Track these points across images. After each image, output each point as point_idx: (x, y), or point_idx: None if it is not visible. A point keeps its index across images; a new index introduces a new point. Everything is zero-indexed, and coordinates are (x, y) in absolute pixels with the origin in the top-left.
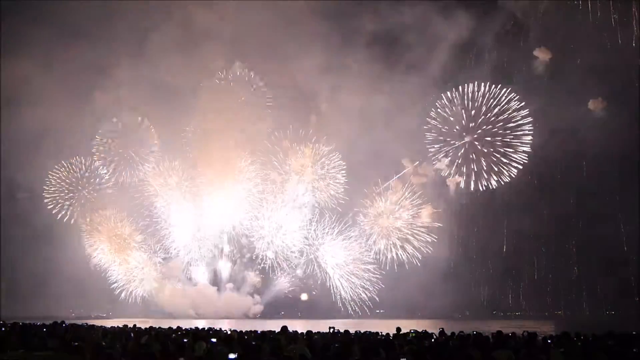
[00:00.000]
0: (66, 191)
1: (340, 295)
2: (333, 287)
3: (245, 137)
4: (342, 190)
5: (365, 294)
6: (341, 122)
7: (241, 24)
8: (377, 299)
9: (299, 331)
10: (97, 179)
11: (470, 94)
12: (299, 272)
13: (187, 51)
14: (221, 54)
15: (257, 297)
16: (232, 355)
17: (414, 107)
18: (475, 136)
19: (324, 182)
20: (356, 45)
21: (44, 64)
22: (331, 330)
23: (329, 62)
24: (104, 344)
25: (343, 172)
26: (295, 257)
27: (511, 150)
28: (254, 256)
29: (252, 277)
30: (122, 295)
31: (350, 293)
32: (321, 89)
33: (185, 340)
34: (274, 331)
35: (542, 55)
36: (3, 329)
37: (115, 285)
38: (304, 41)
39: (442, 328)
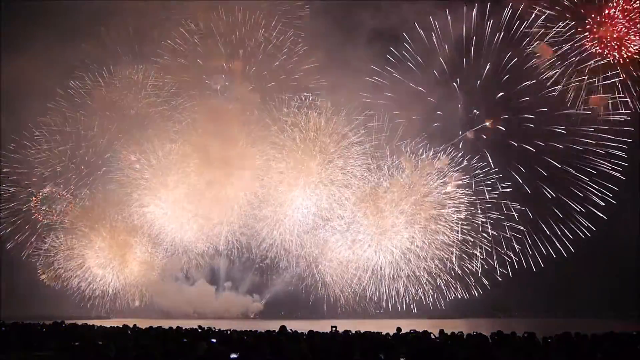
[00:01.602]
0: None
1: (340, 304)
2: (332, 295)
3: (245, 135)
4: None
5: (367, 303)
6: (342, 120)
7: (240, 21)
8: (383, 304)
9: (299, 331)
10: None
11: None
12: (299, 270)
13: (185, 49)
14: (220, 51)
15: (256, 296)
16: (233, 355)
17: (415, 104)
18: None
19: (328, 180)
20: (357, 42)
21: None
22: (332, 329)
23: (330, 59)
24: (103, 344)
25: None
26: (294, 259)
27: None
28: (254, 255)
29: (253, 275)
30: (121, 296)
31: (351, 302)
32: (322, 86)
33: (185, 340)
34: (274, 331)
35: (543, 51)
36: (3, 329)
37: (113, 287)
38: (305, 38)
39: (442, 329)
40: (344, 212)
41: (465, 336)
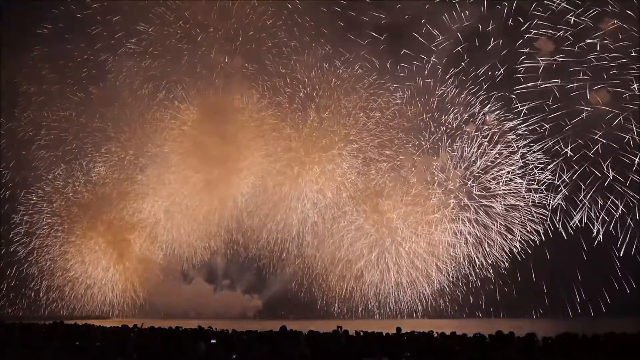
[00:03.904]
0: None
1: (340, 304)
2: (331, 296)
3: (245, 132)
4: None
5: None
6: (342, 119)
7: (241, 17)
8: (384, 303)
9: (300, 331)
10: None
11: None
12: (298, 271)
13: (185, 46)
14: (220, 48)
15: (255, 295)
16: (232, 356)
17: (418, 102)
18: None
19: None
20: (359, 39)
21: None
22: (338, 329)
23: (331, 56)
24: (103, 344)
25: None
26: (293, 259)
27: None
28: (252, 254)
29: (251, 275)
30: (120, 295)
31: (352, 302)
32: (322, 83)
33: (184, 340)
34: (274, 331)
35: (544, 47)
36: (3, 329)
37: (113, 287)
38: (305, 35)
39: (442, 331)
40: (344, 212)
41: (465, 336)
